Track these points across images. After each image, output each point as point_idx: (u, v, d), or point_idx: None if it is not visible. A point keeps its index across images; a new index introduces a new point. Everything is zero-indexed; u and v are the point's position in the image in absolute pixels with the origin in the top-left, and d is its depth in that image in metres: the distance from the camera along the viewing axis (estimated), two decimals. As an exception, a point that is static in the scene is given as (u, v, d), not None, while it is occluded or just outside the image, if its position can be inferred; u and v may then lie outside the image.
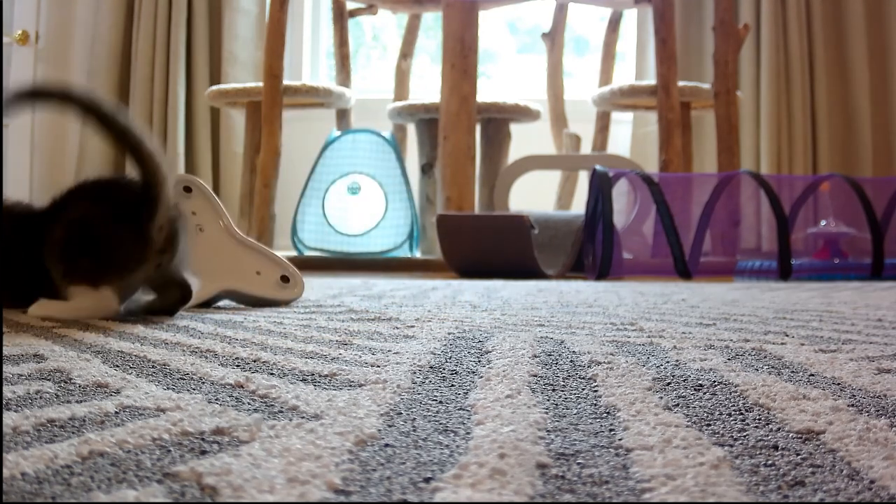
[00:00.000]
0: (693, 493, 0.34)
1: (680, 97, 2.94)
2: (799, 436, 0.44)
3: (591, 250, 2.47)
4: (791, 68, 3.56)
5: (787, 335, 0.88)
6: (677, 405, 0.52)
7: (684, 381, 0.60)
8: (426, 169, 3.21)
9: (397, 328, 0.92)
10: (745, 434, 0.44)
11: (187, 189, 1.24)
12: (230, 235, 1.26)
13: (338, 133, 3.18)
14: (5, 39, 3.87)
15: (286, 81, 3.07)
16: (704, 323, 1.01)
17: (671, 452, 0.40)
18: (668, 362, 0.68)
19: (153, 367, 0.64)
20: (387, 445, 0.41)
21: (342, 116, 3.43)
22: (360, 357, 0.70)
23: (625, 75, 3.77)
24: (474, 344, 0.79)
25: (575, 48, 4.13)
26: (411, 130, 3.38)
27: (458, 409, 0.50)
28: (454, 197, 2.77)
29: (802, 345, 0.80)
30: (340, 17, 3.50)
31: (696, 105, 3.28)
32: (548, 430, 0.45)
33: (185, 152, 3.73)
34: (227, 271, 1.23)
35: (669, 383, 0.59)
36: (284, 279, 1.27)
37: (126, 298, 1.06)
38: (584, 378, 0.61)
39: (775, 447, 0.42)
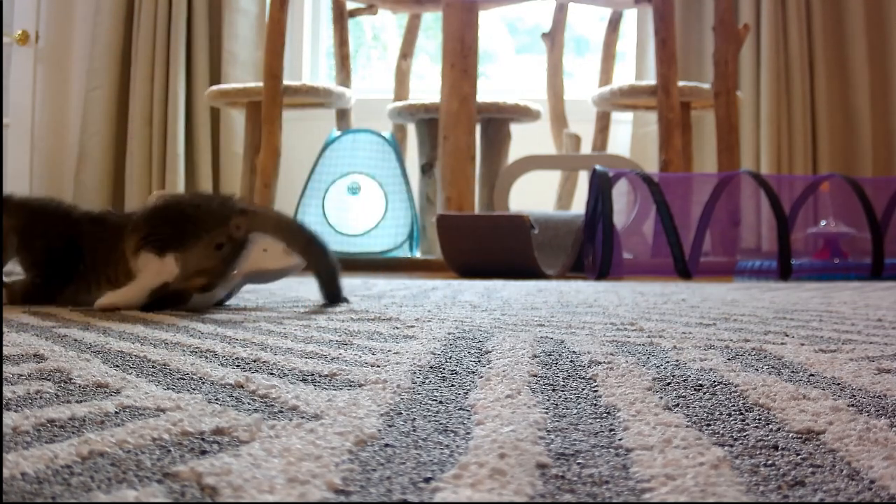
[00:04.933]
0: (693, 493, 0.34)
1: (680, 97, 2.94)
2: (799, 436, 0.44)
3: (591, 250, 2.47)
4: (791, 68, 3.56)
5: (787, 335, 0.88)
6: (677, 405, 0.52)
7: (684, 381, 0.60)
8: (426, 169, 3.21)
9: (397, 328, 0.92)
10: (745, 434, 0.44)
11: None
12: None
13: (338, 133, 3.18)
14: (5, 39, 3.87)
15: (286, 81, 3.07)
16: (704, 323, 1.01)
17: (671, 452, 0.40)
18: (668, 362, 0.68)
19: (153, 367, 0.64)
20: (387, 445, 0.41)
21: (342, 116, 3.43)
22: (360, 357, 0.70)
23: (625, 75, 3.77)
24: (474, 344, 0.79)
25: (575, 48, 4.13)
26: (411, 130, 3.38)
27: (458, 409, 0.50)
28: (454, 197, 2.77)
29: (802, 345, 0.80)
30: (340, 17, 3.49)
31: (696, 105, 3.28)
32: (548, 430, 0.45)
33: (185, 152, 3.74)
34: None
35: (669, 383, 0.59)
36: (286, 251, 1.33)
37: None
38: (584, 378, 0.61)
39: (775, 447, 0.42)
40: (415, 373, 0.62)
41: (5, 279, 1.22)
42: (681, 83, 2.98)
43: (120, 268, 1.15)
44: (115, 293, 1.12)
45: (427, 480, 0.36)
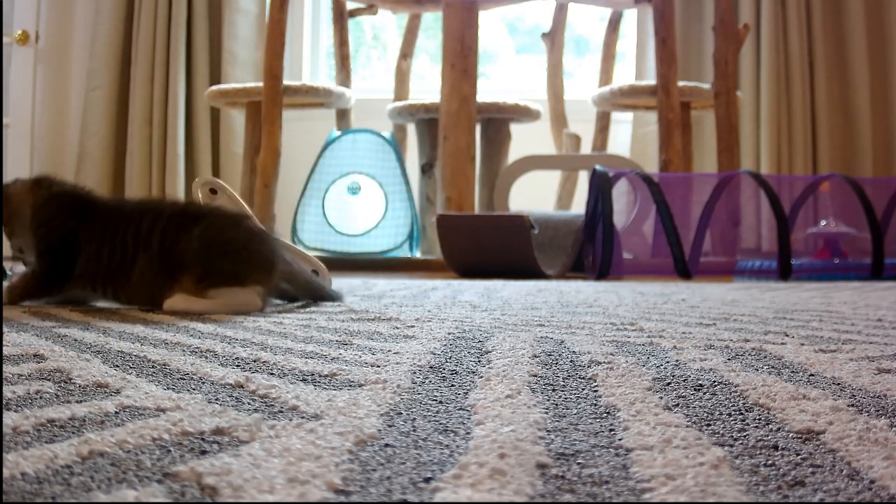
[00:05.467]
0: (693, 493, 0.34)
1: (680, 97, 2.94)
2: (799, 436, 0.44)
3: (591, 250, 2.47)
4: (791, 68, 3.56)
5: (787, 335, 0.88)
6: (677, 405, 0.52)
7: (684, 381, 0.60)
8: (426, 169, 3.21)
9: (397, 328, 0.92)
10: (745, 434, 0.44)
11: (213, 191, 1.27)
12: None
13: (338, 133, 3.18)
14: (5, 39, 3.87)
15: (286, 81, 3.07)
16: (704, 323, 1.01)
17: (671, 452, 0.40)
18: (668, 362, 0.68)
19: (153, 367, 0.64)
20: (387, 445, 0.41)
21: (342, 116, 3.43)
22: (360, 357, 0.70)
23: (625, 75, 3.78)
24: (474, 344, 0.79)
25: (575, 48, 4.13)
26: (411, 130, 3.38)
27: (458, 409, 0.50)
28: (454, 197, 2.77)
29: (802, 345, 0.80)
30: (340, 17, 3.49)
31: (696, 105, 3.28)
32: (548, 430, 0.45)
33: (185, 152, 3.74)
34: None
35: (669, 383, 0.59)
36: (314, 273, 1.32)
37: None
38: (584, 378, 0.61)
39: (775, 447, 0.42)
40: (415, 373, 0.62)
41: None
42: (681, 83, 2.98)
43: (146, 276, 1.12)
44: (190, 300, 1.10)
45: (427, 480, 0.36)
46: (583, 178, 3.35)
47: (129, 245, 1.13)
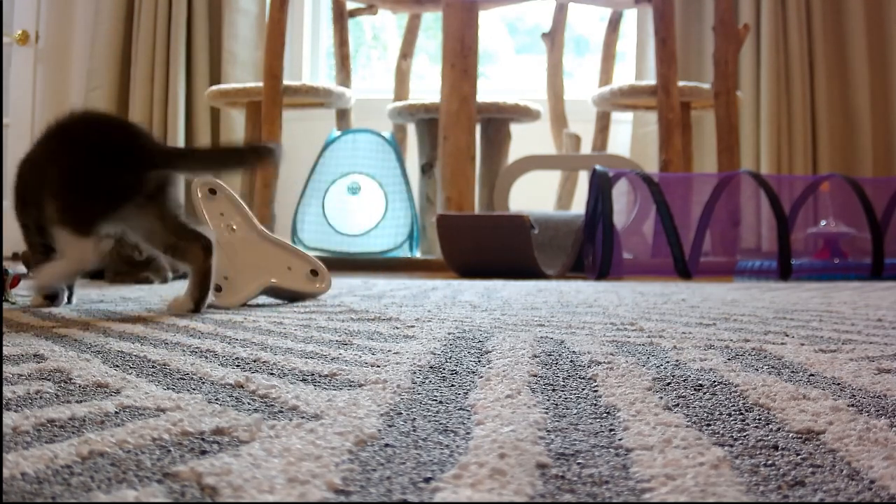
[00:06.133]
0: (693, 493, 0.34)
1: (680, 97, 2.94)
2: (799, 436, 0.44)
3: (591, 250, 2.47)
4: (791, 68, 3.56)
5: (787, 335, 0.88)
6: (677, 405, 0.52)
7: (684, 381, 0.60)
8: (426, 169, 3.21)
9: (397, 328, 0.92)
10: (745, 434, 0.44)
11: (212, 191, 1.27)
12: (259, 233, 1.28)
13: (338, 133, 3.18)
14: (5, 39, 3.87)
15: (286, 81, 3.07)
16: (704, 323, 1.01)
17: (671, 452, 0.40)
18: (668, 362, 0.68)
19: (153, 367, 0.64)
20: (387, 445, 0.41)
21: (342, 116, 3.43)
22: (360, 357, 0.70)
23: (625, 75, 3.77)
24: (474, 344, 0.79)
25: (575, 48, 4.13)
26: (411, 130, 3.38)
27: (458, 409, 0.50)
28: (454, 197, 2.77)
29: (802, 345, 0.80)
30: (340, 17, 3.49)
31: (696, 105, 3.28)
32: (548, 430, 0.45)
33: (185, 152, 3.74)
34: (265, 268, 1.26)
35: (669, 383, 0.59)
36: (313, 273, 1.32)
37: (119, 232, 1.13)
38: (584, 378, 0.61)
39: (775, 447, 0.42)
40: (415, 373, 0.62)
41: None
42: (681, 83, 2.98)
43: None
44: (47, 268, 1.09)
45: (427, 480, 0.36)
46: (583, 178, 3.35)
47: (35, 185, 1.12)
